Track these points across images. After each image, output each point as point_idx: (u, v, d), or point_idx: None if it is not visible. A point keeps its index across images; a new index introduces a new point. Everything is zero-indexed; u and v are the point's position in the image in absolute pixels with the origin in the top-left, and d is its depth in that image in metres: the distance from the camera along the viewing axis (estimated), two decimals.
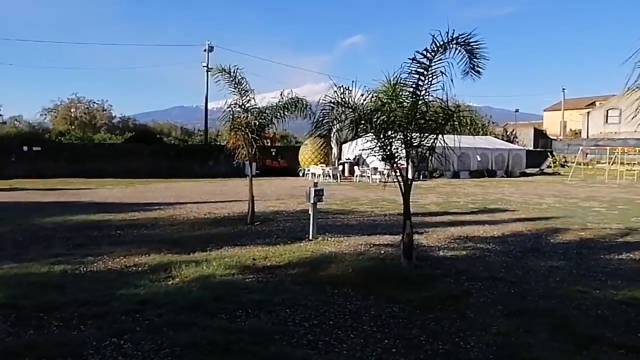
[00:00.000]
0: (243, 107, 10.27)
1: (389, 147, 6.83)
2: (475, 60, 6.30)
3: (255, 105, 10.43)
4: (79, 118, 49.59)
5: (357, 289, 5.81)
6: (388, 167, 25.90)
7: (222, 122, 10.34)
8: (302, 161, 31.00)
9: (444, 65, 6.42)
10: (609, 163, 32.99)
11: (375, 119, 6.63)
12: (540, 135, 58.56)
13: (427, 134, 6.84)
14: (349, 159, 31.96)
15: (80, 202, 14.66)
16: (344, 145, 33.49)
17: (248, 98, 10.38)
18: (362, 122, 6.57)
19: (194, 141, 37.58)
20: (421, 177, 29.40)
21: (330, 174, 26.25)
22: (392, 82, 6.64)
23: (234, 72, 10.41)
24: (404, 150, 6.99)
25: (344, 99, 6.34)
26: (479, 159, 32.35)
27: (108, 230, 9.81)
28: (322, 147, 30.76)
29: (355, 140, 35.03)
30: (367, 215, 12.41)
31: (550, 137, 58.76)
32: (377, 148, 6.87)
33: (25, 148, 24.98)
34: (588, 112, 56.04)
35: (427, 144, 6.98)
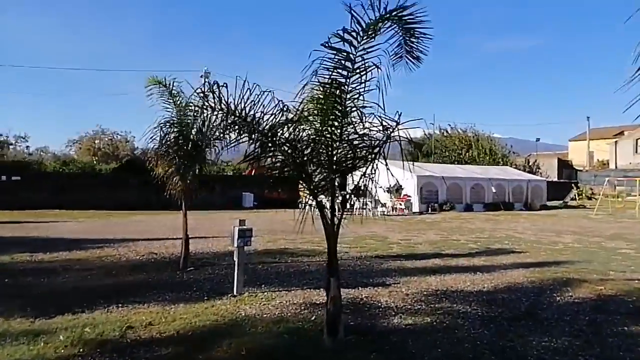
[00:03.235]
0: (175, 125, 8.42)
1: (304, 170, 4.77)
2: (412, 40, 4.32)
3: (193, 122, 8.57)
4: (102, 149, 49.64)
5: None
6: (393, 199, 23.67)
7: (148, 144, 8.48)
8: (302, 191, 29.06)
9: (378, 56, 4.44)
10: (639, 195, 29.97)
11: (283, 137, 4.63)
12: (564, 165, 55.52)
13: (359, 159, 4.81)
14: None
15: (18, 238, 12.91)
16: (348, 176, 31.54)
17: (185, 115, 8.54)
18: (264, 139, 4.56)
19: None
20: (429, 210, 27.12)
21: (327, 206, 24.10)
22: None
23: (169, 85, 8.68)
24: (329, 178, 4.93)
25: (222, 102, 4.37)
26: (494, 190, 29.85)
27: (1, 276, 7.96)
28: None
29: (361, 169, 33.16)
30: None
31: (576, 167, 55.63)
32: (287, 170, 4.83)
33: (4, 177, 23.76)
34: (616, 142, 52.93)
35: (360, 169, 4.93)
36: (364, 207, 22.52)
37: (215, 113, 4.44)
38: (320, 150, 4.82)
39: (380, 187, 29.79)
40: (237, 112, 4.36)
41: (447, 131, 51.51)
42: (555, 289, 7.47)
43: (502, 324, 5.63)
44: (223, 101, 4.34)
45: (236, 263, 6.81)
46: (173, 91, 8.70)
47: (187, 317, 5.70)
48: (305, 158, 4.70)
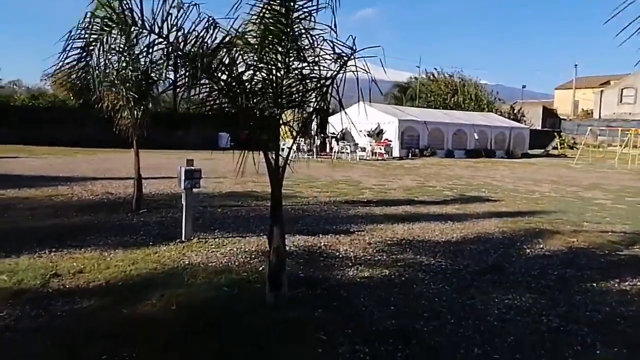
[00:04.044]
0: (123, 51, 7.49)
1: (243, 104, 4.06)
2: None
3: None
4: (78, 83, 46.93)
5: (150, 351, 3.28)
6: (373, 143, 23.10)
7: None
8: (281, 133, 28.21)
9: None
10: (620, 146, 29.90)
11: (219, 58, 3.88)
12: (549, 114, 55.19)
13: (308, 91, 4.13)
14: (333, 133, 29.19)
15: None
16: (330, 118, 30.64)
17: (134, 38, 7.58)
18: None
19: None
20: (410, 155, 26.69)
21: (305, 149, 23.45)
22: None
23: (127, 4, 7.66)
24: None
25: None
26: (476, 137, 29.42)
27: None
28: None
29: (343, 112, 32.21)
30: (304, 203, 9.76)
31: (561, 116, 55.38)
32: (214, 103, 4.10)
33: None
34: (601, 91, 52.42)
35: (310, 103, 4.27)
36: (342, 151, 21.99)
37: (125, 28, 3.66)
38: (264, 80, 4.11)
39: (360, 130, 29.14)
40: (153, 28, 3.59)
41: (433, 75, 50.36)
42: (526, 241, 7.11)
43: (466, 278, 5.24)
44: (134, 14, 3.56)
45: (184, 206, 6.24)
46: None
47: (123, 264, 5.18)
48: (245, 88, 3.99)
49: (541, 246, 6.83)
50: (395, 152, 26.23)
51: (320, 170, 16.62)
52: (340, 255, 5.88)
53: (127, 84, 7.55)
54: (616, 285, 5.22)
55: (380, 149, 25.54)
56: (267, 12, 3.78)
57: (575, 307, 4.50)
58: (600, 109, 51.08)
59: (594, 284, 5.22)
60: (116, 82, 7.54)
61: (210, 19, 3.65)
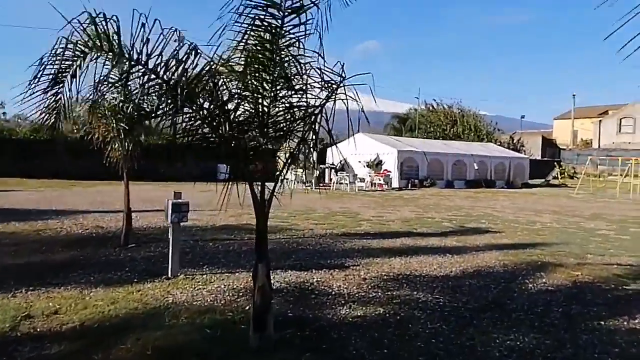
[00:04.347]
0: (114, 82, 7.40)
1: (228, 134, 3.87)
2: None
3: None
4: (82, 116, 47.30)
5: None
6: (373, 174, 22.97)
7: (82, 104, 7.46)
8: (279, 164, 28.09)
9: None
10: (621, 175, 29.71)
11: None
12: (548, 144, 55.37)
13: (296, 120, 3.96)
14: (332, 164, 29.12)
15: None
16: (329, 149, 30.65)
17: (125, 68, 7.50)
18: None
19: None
20: (409, 186, 26.50)
21: (304, 180, 23.33)
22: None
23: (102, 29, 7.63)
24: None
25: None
26: (476, 167, 29.31)
27: None
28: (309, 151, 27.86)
29: (341, 143, 32.26)
30: (299, 236, 9.49)
31: (560, 146, 55.48)
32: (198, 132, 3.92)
33: None
34: (600, 121, 52.69)
35: (298, 133, 4.08)
36: (341, 182, 21.81)
37: (103, 54, 3.52)
38: (249, 109, 3.95)
39: (359, 161, 29.05)
40: (131, 54, 3.45)
41: (432, 106, 50.72)
42: (528, 275, 6.82)
43: (465, 316, 4.94)
44: (111, 39, 3.42)
45: (170, 241, 5.99)
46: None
47: (102, 304, 4.90)
48: (228, 117, 3.81)
49: (544, 280, 6.54)
50: (395, 183, 26.06)
51: (318, 202, 16.39)
52: (334, 292, 5.60)
53: (118, 115, 7.46)
54: (625, 323, 4.92)
55: (380, 180, 25.38)
56: (251, 38, 3.65)
57: (582, 349, 4.20)
58: (600, 139, 51.21)
59: (602, 322, 4.91)
60: (107, 113, 7.45)
61: (192, 44, 3.50)
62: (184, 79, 3.59)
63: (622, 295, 5.96)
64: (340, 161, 29.09)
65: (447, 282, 6.25)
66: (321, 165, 27.80)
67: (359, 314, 4.85)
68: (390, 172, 26.33)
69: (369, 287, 5.88)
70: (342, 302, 5.24)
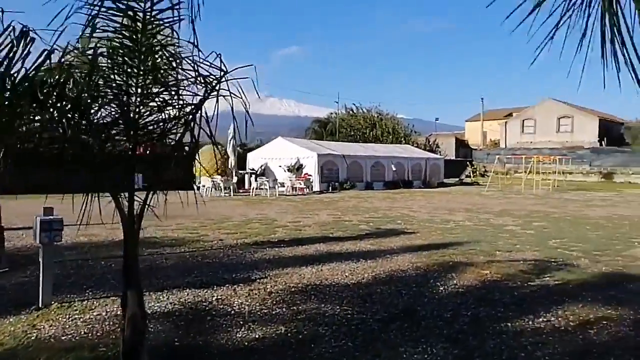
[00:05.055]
0: None
1: (83, 139, 3.23)
2: None
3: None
4: None
5: None
6: (293, 178, 22.49)
7: None
8: (196, 171, 26.87)
9: None
10: (525, 172, 31.81)
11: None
12: (461, 144, 58.23)
13: (170, 120, 3.41)
14: (253, 169, 28.41)
15: None
16: (249, 154, 29.89)
17: None
18: None
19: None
20: (330, 189, 26.46)
21: (222, 187, 22.44)
22: None
23: None
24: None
25: None
26: (394, 168, 29.93)
27: None
28: (221, 156, 26.88)
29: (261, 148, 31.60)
30: (206, 248, 8.81)
31: (472, 146, 58.58)
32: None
33: None
34: (505, 122, 56.35)
35: (172, 136, 3.52)
36: (261, 187, 21.03)
37: None
38: (113, 108, 3.33)
39: (280, 166, 28.63)
40: None
41: (352, 110, 51.54)
42: (440, 277, 6.70)
43: (373, 329, 4.62)
44: None
45: (41, 265, 5.13)
46: None
47: None
48: (83, 116, 3.17)
49: (455, 282, 6.44)
50: (316, 187, 25.88)
51: (236, 209, 15.69)
52: (233, 312, 5.06)
53: None
54: (530, 322, 4.85)
55: (300, 184, 25.06)
56: (101, 20, 3.03)
57: (490, 355, 4.01)
58: (506, 139, 54.74)
59: (509, 324, 4.81)
60: None
61: (25, 27, 2.82)
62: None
63: (528, 293, 5.97)
64: (261, 166, 28.48)
65: (357, 291, 5.94)
66: (240, 171, 26.98)
67: (256, 336, 4.35)
68: (310, 175, 26.12)
69: (274, 302, 5.41)
70: (241, 322, 4.71)
